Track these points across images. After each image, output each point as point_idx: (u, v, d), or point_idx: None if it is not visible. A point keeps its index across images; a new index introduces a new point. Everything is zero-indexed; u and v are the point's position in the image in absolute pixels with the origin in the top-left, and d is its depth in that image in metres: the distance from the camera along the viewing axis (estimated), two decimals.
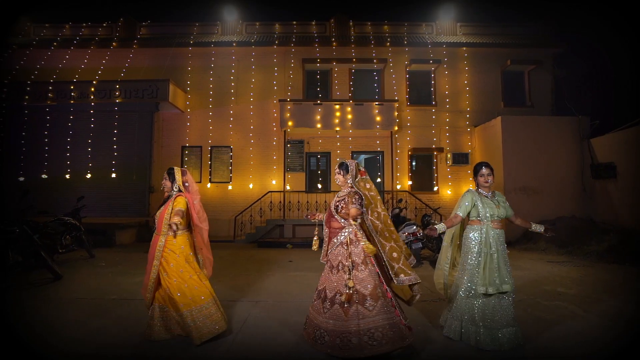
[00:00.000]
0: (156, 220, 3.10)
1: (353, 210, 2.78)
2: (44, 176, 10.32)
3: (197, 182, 10.82)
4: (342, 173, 2.96)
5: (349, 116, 10.46)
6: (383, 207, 2.96)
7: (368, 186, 2.95)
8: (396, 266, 2.75)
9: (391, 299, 2.72)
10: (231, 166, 11.14)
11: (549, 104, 11.31)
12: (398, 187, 10.91)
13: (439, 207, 9.67)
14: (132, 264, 6.39)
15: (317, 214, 3.20)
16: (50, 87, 10.29)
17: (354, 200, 2.81)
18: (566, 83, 11.31)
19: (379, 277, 2.76)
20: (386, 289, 2.74)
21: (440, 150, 11.18)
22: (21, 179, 10.22)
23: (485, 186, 3.12)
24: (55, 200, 9.54)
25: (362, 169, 3.02)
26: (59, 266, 5.41)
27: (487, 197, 3.10)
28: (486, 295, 2.92)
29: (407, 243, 6.58)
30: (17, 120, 10.52)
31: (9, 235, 4.71)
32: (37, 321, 3.54)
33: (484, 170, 3.10)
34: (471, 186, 3.37)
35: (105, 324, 3.38)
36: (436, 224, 3.06)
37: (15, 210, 5.44)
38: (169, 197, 3.18)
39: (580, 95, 11.15)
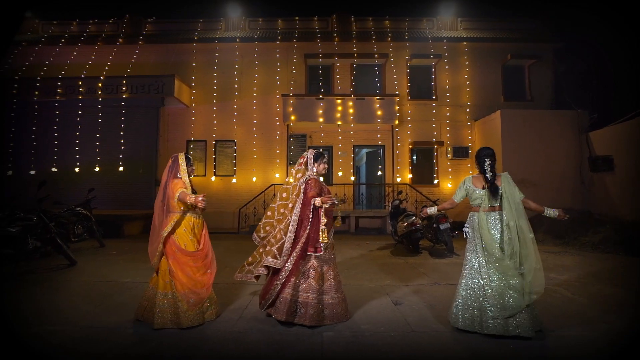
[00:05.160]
0: None
1: None
2: (53, 170, 10.61)
3: (202, 176, 11.16)
4: None
5: (351, 110, 10.64)
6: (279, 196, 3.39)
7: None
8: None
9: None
10: (235, 160, 11.37)
11: (548, 98, 11.43)
12: (398, 180, 11.11)
13: (437, 199, 9.86)
14: (142, 253, 6.64)
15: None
16: (59, 83, 10.54)
17: None
18: (566, 77, 11.42)
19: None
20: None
21: (441, 143, 11.35)
22: (32, 172, 10.53)
23: None
24: (65, 193, 9.78)
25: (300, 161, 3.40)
26: (72, 254, 5.68)
27: None
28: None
29: (407, 233, 6.80)
30: (27, 116, 10.81)
31: (28, 222, 4.99)
32: (61, 299, 3.83)
33: None
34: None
35: (123, 301, 3.64)
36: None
37: (31, 200, 5.72)
38: None
39: (579, 89, 11.25)
